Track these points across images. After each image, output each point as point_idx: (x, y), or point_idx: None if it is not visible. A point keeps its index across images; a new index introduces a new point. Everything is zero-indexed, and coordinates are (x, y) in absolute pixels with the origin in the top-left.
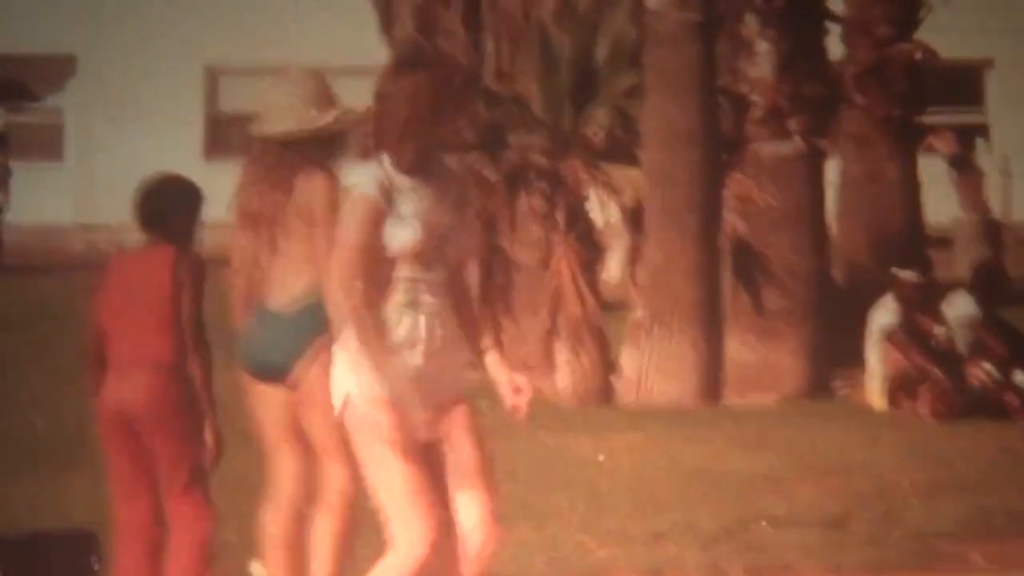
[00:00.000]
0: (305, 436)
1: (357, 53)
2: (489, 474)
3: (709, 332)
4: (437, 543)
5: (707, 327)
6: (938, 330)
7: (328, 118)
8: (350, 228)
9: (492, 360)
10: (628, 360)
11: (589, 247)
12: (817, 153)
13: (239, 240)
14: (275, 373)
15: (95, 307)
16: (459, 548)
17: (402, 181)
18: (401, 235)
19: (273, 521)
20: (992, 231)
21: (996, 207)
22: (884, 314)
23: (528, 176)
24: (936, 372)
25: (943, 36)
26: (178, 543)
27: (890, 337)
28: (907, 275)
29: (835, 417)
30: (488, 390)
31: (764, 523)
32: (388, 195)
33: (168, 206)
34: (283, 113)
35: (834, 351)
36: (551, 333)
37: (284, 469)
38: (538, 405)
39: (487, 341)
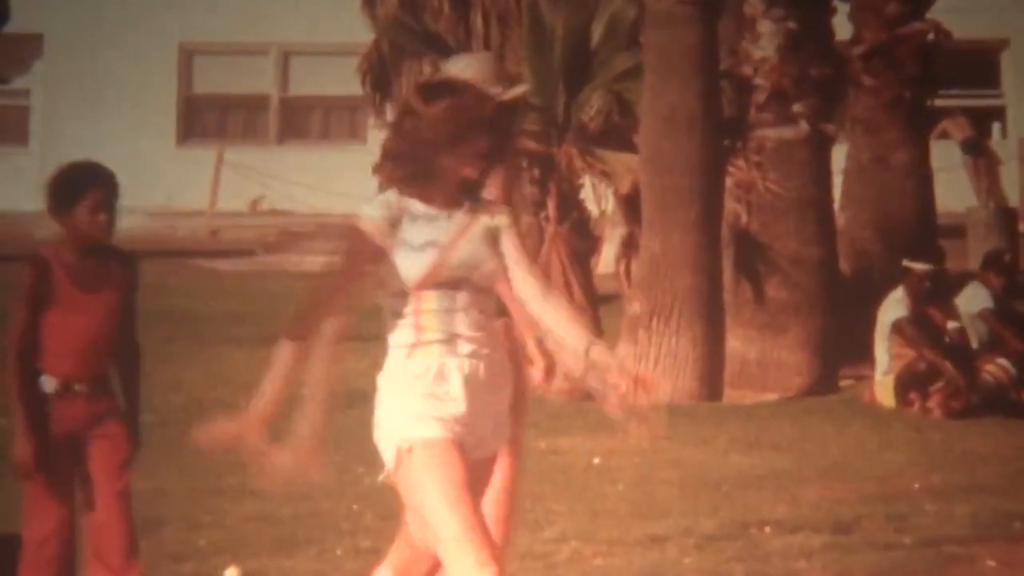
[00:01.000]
0: None
1: (337, 32)
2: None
3: (709, 326)
4: None
5: (707, 321)
6: (951, 324)
7: (515, 93)
8: (338, 253)
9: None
10: (624, 356)
11: (583, 237)
12: (823, 138)
13: None
14: None
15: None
16: None
17: (417, 208)
18: (412, 265)
19: None
20: (1007, 220)
21: (1012, 195)
22: (894, 307)
23: (518, 162)
24: (949, 368)
25: (956, 15)
26: None
27: (900, 331)
28: (920, 267)
29: (842, 416)
30: None
31: (767, 528)
32: (395, 222)
33: (74, 191)
34: None
35: (841, 346)
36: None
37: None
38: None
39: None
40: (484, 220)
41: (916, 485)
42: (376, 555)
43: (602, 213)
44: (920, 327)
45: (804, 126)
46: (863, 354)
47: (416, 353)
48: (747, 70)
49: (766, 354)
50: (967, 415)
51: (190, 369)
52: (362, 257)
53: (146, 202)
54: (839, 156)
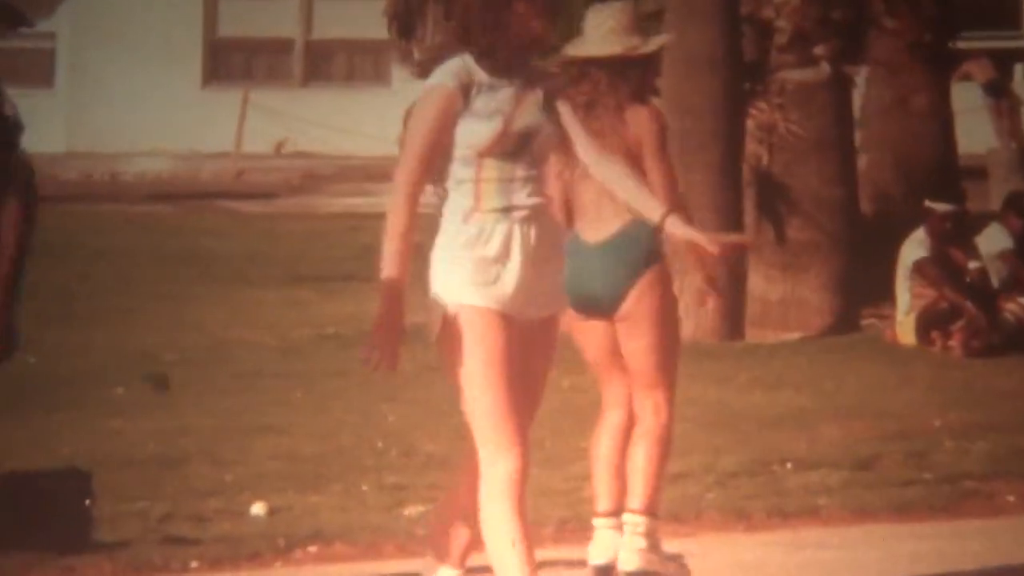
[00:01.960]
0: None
1: None
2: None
3: (731, 266)
4: (525, 469)
5: (729, 261)
6: (972, 264)
7: (653, 45)
8: (418, 119)
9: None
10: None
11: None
12: (844, 80)
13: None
14: (599, 306)
15: None
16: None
17: (483, 77)
18: (479, 131)
19: (601, 445)
20: None
21: None
22: (916, 248)
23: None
24: (969, 307)
25: None
26: None
27: (921, 271)
28: (941, 207)
29: (863, 354)
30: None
31: (788, 464)
32: (467, 90)
33: None
34: (606, 38)
35: (862, 286)
36: None
37: (611, 397)
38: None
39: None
40: (540, 88)
41: (936, 423)
42: (401, 491)
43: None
44: (941, 267)
45: (825, 68)
46: (884, 294)
47: (473, 218)
48: (768, 12)
49: (788, 294)
50: (987, 354)
51: (214, 310)
52: (440, 123)
53: (171, 144)
54: (860, 98)
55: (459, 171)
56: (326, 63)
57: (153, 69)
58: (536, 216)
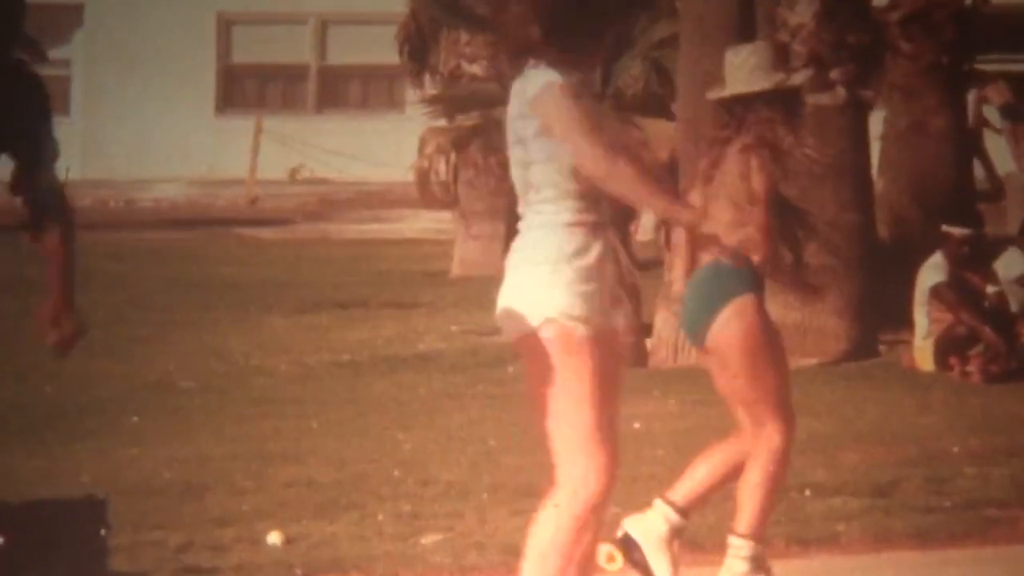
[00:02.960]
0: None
1: (375, 0)
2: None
3: None
4: (611, 486)
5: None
6: (990, 289)
7: (799, 80)
8: (565, 108)
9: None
10: (662, 322)
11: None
12: (861, 104)
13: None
14: (692, 341)
15: None
16: None
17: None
18: None
19: (711, 449)
20: None
21: None
22: (933, 272)
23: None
24: (988, 332)
25: None
26: None
27: (939, 295)
28: (958, 231)
29: (881, 380)
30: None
31: (807, 491)
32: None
33: None
34: (752, 75)
35: (880, 311)
36: None
37: (737, 421)
38: None
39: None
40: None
41: (955, 448)
42: (418, 520)
43: None
44: (959, 292)
45: (841, 92)
46: (902, 319)
47: (576, 231)
48: (784, 37)
49: (805, 319)
50: (1006, 379)
51: (230, 336)
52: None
53: (187, 171)
54: (876, 122)
55: (564, 182)
56: (340, 89)
57: (168, 96)
58: (609, 231)
